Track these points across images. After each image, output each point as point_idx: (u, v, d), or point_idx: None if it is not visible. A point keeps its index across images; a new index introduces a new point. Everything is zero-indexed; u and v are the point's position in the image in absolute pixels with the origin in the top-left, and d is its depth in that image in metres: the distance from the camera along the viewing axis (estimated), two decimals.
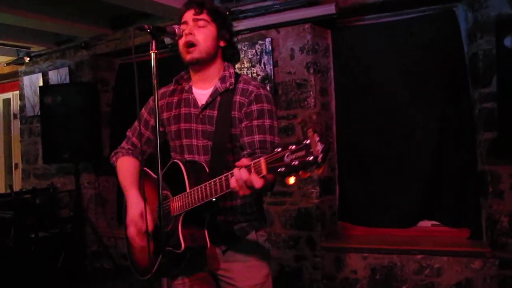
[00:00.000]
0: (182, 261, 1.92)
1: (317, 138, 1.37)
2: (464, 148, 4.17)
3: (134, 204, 2.06)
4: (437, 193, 4.31)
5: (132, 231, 2.01)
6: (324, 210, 4.54)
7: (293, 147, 1.41)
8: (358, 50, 4.61)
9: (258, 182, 1.52)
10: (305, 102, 4.49)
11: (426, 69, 4.33)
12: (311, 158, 1.37)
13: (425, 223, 4.47)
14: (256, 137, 1.94)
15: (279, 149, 1.45)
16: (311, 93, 4.48)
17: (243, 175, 1.55)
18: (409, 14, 4.42)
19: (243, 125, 1.99)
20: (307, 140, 1.39)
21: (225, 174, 1.68)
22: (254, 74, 4.63)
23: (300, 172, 1.42)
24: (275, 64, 4.62)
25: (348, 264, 4.38)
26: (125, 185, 2.18)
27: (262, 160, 1.50)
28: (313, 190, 4.44)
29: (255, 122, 1.97)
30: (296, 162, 1.40)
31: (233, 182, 1.60)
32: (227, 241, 2.07)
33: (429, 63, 4.32)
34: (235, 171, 1.58)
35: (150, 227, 1.98)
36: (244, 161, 1.58)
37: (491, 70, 3.77)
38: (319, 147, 1.36)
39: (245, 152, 1.95)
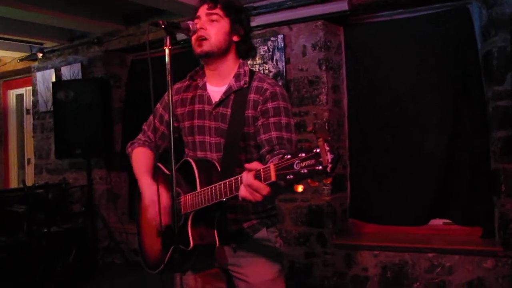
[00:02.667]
0: (191, 257, 1.93)
1: (327, 148, 1.36)
2: (477, 146, 4.13)
3: (150, 188, 2.07)
4: (449, 192, 4.28)
5: (152, 211, 2.02)
6: (335, 207, 4.53)
7: (303, 155, 1.40)
8: (371, 47, 4.59)
9: (265, 189, 1.52)
10: (317, 99, 4.48)
11: (439, 67, 4.30)
12: (321, 167, 1.36)
13: (437, 221, 4.44)
14: (274, 134, 1.93)
15: (289, 156, 1.44)
16: (323, 90, 4.47)
17: (249, 180, 1.55)
18: (422, 11, 4.39)
19: (259, 123, 1.98)
20: (317, 149, 1.38)
21: (235, 177, 1.67)
22: (266, 71, 4.63)
23: (308, 181, 1.42)
24: (287, 61, 4.61)
25: (359, 262, 4.37)
26: (138, 174, 2.20)
27: (271, 166, 1.49)
28: (324, 187, 4.43)
29: (271, 120, 1.96)
30: (305, 171, 1.39)
31: (242, 188, 1.60)
32: (237, 239, 2.07)
33: (442, 61, 4.28)
34: (244, 174, 1.58)
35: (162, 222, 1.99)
36: (254, 164, 1.58)
37: (506, 68, 3.73)
38: (329, 156, 1.36)
39: (264, 150, 1.93)
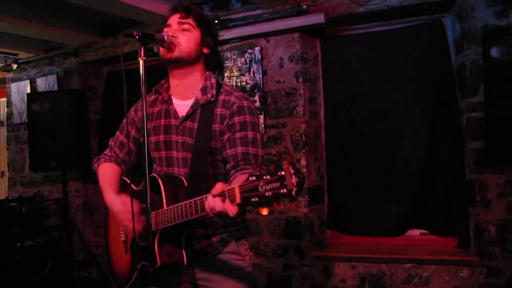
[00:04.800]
0: (158, 275, 1.90)
1: (292, 171, 1.35)
2: (452, 157, 4.19)
3: (115, 199, 2.08)
4: (425, 202, 4.32)
5: (124, 217, 2.00)
6: (313, 219, 4.53)
7: (268, 177, 1.40)
8: (347, 59, 4.63)
9: (231, 211, 1.50)
10: (294, 111, 4.49)
11: (414, 79, 4.35)
12: (285, 190, 1.35)
13: (414, 232, 4.47)
14: (239, 149, 1.92)
15: (254, 178, 1.43)
16: (300, 102, 4.49)
17: (216, 205, 1.54)
18: (398, 24, 4.45)
19: (225, 137, 1.97)
20: (281, 172, 1.37)
21: (200, 197, 1.66)
22: (244, 83, 4.64)
23: (273, 204, 1.41)
24: (264, 73, 4.62)
25: (337, 273, 4.37)
26: (103, 188, 2.20)
27: (236, 188, 1.48)
28: (302, 199, 4.43)
29: (237, 135, 1.95)
30: (270, 193, 1.39)
31: (207, 209, 1.60)
32: (206, 253, 2.06)
33: (417, 73, 4.34)
34: (209, 198, 1.57)
35: (129, 238, 1.97)
36: (218, 187, 1.56)
37: (478, 80, 3.80)
38: (294, 180, 1.35)
39: (229, 165, 1.93)
